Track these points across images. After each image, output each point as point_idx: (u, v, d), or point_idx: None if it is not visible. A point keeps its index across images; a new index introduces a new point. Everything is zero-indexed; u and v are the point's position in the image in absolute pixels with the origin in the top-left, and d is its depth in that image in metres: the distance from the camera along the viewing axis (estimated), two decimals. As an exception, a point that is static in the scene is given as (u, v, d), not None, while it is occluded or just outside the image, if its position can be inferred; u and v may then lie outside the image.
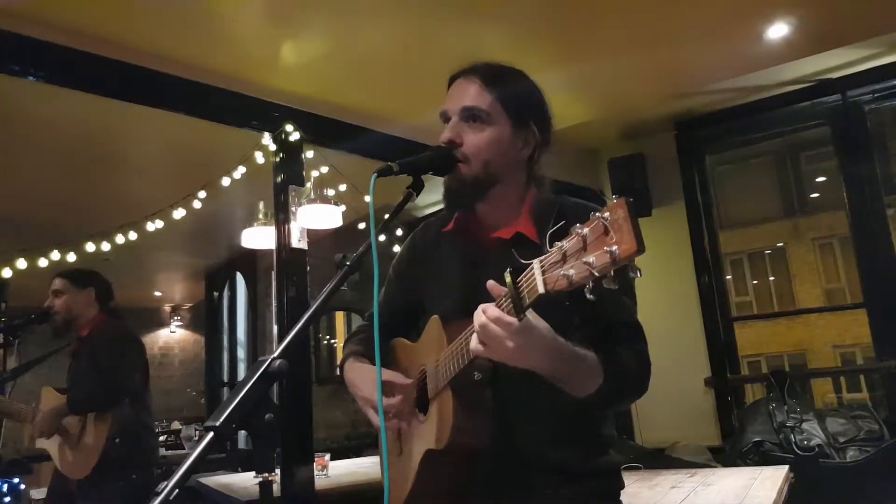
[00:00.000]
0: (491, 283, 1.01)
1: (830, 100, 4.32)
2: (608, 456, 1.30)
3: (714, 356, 4.47)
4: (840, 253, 16.81)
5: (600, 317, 1.16)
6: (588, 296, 0.84)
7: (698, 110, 4.61)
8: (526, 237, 1.28)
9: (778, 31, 3.52)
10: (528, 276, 0.93)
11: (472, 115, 1.28)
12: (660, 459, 3.65)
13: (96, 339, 3.02)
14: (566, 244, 0.86)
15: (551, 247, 0.91)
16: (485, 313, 0.98)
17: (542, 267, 0.90)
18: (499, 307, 0.99)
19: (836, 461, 3.18)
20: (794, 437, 3.25)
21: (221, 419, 0.85)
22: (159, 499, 0.76)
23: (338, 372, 1.56)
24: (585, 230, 0.83)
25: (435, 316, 1.27)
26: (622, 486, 1.33)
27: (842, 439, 3.29)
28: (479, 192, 1.29)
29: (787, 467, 2.80)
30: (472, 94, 1.29)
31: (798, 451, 3.18)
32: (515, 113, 1.30)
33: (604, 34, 3.45)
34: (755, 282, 18.27)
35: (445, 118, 1.32)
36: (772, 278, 18.10)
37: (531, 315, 0.97)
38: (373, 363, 1.36)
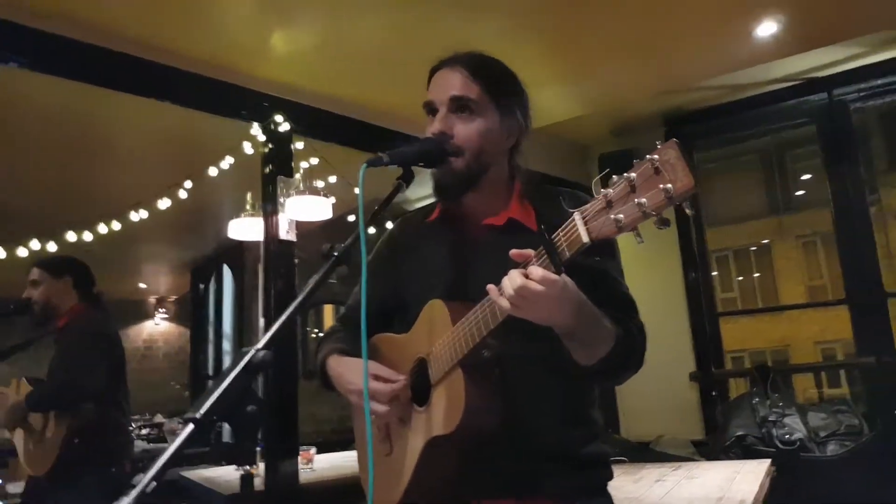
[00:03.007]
0: (514, 251, 1.02)
1: (817, 98, 4.36)
2: (599, 442, 1.31)
3: (699, 351, 4.51)
4: (823, 250, 17.00)
5: (600, 292, 1.16)
6: (638, 239, 0.88)
7: (688, 107, 4.63)
8: (519, 223, 1.28)
9: (767, 28, 3.54)
10: (567, 228, 0.96)
11: (460, 106, 1.27)
12: (644, 453, 3.68)
13: (70, 331, 2.96)
14: (611, 190, 0.89)
15: (551, 234, 0.95)
16: (528, 276, 0.99)
17: (583, 217, 0.93)
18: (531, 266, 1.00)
19: (817, 455, 3.22)
20: (776, 432, 3.29)
21: (202, 410, 0.83)
22: (136, 491, 0.75)
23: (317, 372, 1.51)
24: (633, 174, 0.87)
25: (437, 300, 1.25)
26: (611, 477, 1.34)
27: (822, 433, 3.33)
28: (471, 183, 1.28)
29: (769, 461, 2.83)
30: (458, 84, 1.28)
31: (780, 445, 3.22)
32: (502, 102, 1.30)
33: (595, 30, 3.45)
34: (740, 278, 18.44)
35: (431, 109, 1.31)
36: (756, 275, 18.28)
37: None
38: (356, 360, 1.34)
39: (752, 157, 16.63)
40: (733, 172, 15.22)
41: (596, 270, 1.22)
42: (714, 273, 5.54)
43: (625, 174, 0.88)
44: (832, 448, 3.25)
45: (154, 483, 0.76)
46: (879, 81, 4.21)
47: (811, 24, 3.61)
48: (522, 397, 1.22)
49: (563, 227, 0.97)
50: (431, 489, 1.27)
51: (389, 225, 1.62)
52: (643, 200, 0.85)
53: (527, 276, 0.99)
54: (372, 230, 1.14)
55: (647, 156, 0.86)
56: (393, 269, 1.45)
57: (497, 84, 1.31)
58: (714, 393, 4.42)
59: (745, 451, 3.30)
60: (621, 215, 0.88)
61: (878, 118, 15.72)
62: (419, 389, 1.27)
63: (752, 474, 2.58)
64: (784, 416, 3.36)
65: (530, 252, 1.02)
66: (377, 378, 1.25)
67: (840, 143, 4.31)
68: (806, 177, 16.74)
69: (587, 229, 0.93)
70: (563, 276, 0.99)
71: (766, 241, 18.08)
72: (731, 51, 3.82)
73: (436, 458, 1.23)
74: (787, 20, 3.48)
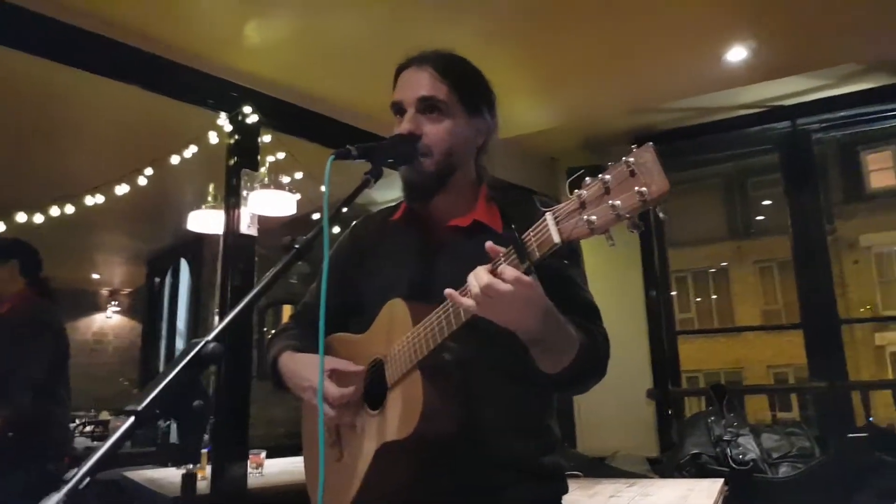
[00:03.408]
0: (489, 245, 1.00)
1: (781, 126, 4.45)
2: (556, 455, 1.29)
3: (657, 369, 4.54)
4: (779, 276, 17.46)
5: (565, 299, 1.13)
6: (609, 242, 0.87)
7: (657, 127, 4.68)
8: (485, 225, 1.26)
9: (737, 54, 3.60)
10: (538, 228, 0.94)
11: (429, 106, 1.26)
12: (600, 468, 3.67)
13: (13, 318, 2.86)
14: (585, 192, 0.88)
15: (521, 234, 0.93)
16: (498, 274, 0.96)
17: (555, 217, 0.91)
18: (497, 266, 0.98)
19: (769, 476, 3.25)
20: (731, 451, 3.32)
21: (144, 403, 0.79)
22: (67, 487, 0.70)
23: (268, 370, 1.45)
24: (607, 176, 0.86)
25: (398, 299, 1.22)
26: (566, 491, 1.31)
27: (775, 455, 3.37)
28: (440, 184, 1.27)
29: (722, 480, 2.85)
30: (426, 83, 1.26)
31: (733, 465, 3.24)
32: (470, 102, 1.29)
33: (570, 43, 3.47)
34: (698, 299, 18.83)
35: (398, 109, 1.29)
36: (714, 297, 18.68)
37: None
38: (310, 356, 1.31)
39: (715, 180, 17.08)
40: (696, 195, 15.60)
41: (561, 277, 1.21)
42: (673, 293, 5.61)
43: (599, 175, 0.87)
44: (784, 470, 3.29)
45: (88, 479, 0.72)
46: (841, 113, 4.31)
47: (780, 52, 3.69)
48: (481, 404, 1.19)
49: (534, 227, 0.95)
50: (382, 498, 1.22)
51: (355, 224, 1.57)
52: (617, 202, 0.84)
53: (495, 274, 0.96)
54: (337, 229, 1.11)
55: (623, 158, 0.85)
56: (353, 267, 1.42)
57: (465, 84, 1.29)
58: (670, 411, 4.45)
59: (699, 469, 3.32)
60: (594, 217, 0.87)
61: (837, 150, 16.28)
62: (374, 392, 1.22)
63: (705, 493, 2.59)
64: (738, 437, 3.39)
65: (500, 249, 0.99)
66: (334, 372, 1.21)
67: (801, 171, 4.40)
68: (766, 203, 17.21)
69: (559, 230, 0.91)
70: (532, 277, 0.97)
71: (724, 264, 18.50)
72: (701, 73, 3.88)
73: (388, 465, 1.18)
74: (757, 47, 3.54)
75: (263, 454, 3.37)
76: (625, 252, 4.72)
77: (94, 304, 10.14)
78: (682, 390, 4.94)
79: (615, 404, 3.97)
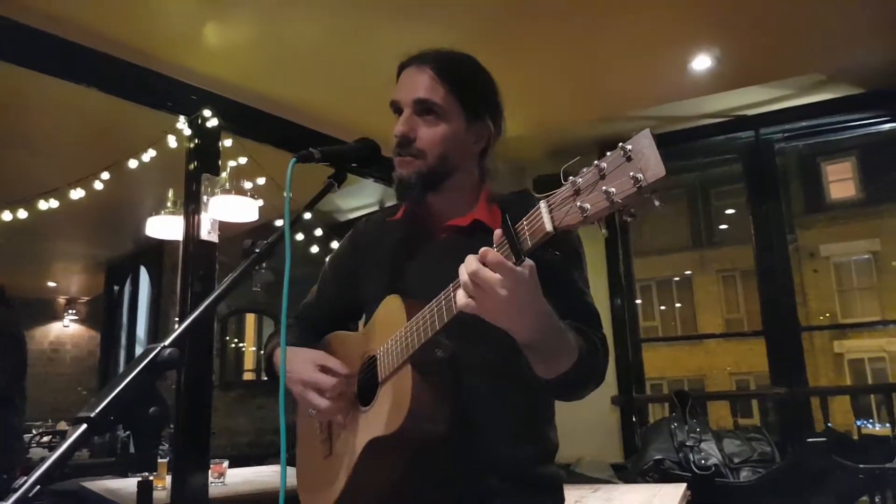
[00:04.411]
0: (496, 234, 0.97)
1: (744, 135, 4.51)
2: (553, 465, 1.25)
3: (622, 376, 4.56)
4: (741, 285, 17.81)
5: (566, 302, 1.11)
6: (602, 231, 0.86)
7: (623, 135, 4.66)
8: (485, 224, 1.23)
9: (701, 63, 3.65)
10: (532, 217, 0.92)
11: (425, 109, 1.23)
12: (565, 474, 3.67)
13: None
14: (580, 178, 0.86)
15: (505, 229, 0.92)
16: (483, 260, 0.93)
17: (549, 205, 0.89)
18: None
19: (731, 480, 3.28)
20: (693, 457, 3.34)
21: (97, 409, 0.76)
22: (15, 496, 0.67)
23: (262, 368, 1.41)
24: (603, 163, 0.84)
25: (394, 295, 1.19)
26: (563, 503, 1.27)
27: (737, 460, 3.40)
28: (432, 184, 1.24)
29: (685, 485, 2.86)
30: (424, 85, 1.23)
31: (696, 470, 3.26)
32: (470, 107, 1.25)
33: (535, 52, 3.48)
34: (662, 308, 19.10)
35: (396, 109, 1.26)
36: (678, 305, 18.96)
37: (527, 265, 0.94)
38: (304, 350, 1.29)
39: (679, 190, 17.35)
40: (660, 204, 15.80)
41: (562, 279, 1.19)
42: (638, 301, 5.66)
43: (595, 161, 0.85)
44: (745, 474, 3.32)
45: (38, 487, 0.69)
46: (803, 123, 4.39)
47: (744, 61, 3.75)
48: (475, 405, 1.16)
49: (528, 215, 0.92)
50: (367, 497, 1.19)
51: (319, 233, 1.55)
52: (612, 189, 0.82)
53: (483, 262, 0.93)
54: (300, 237, 1.08)
55: (620, 144, 0.83)
56: (352, 267, 1.40)
57: (466, 87, 1.26)
58: (634, 417, 4.47)
59: (662, 475, 3.33)
60: (587, 204, 0.85)
61: (798, 160, 16.68)
62: (368, 388, 1.20)
63: (668, 498, 2.60)
64: (701, 442, 3.42)
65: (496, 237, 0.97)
66: (324, 370, 1.19)
67: (764, 181, 4.47)
68: (730, 212, 17.56)
69: (552, 217, 0.89)
70: (524, 268, 0.93)
71: (688, 273, 18.81)
72: (666, 82, 3.93)
73: (375, 463, 1.15)
74: (721, 56, 3.60)
75: (226, 464, 3.32)
76: (590, 260, 4.61)
77: (51, 313, 9.98)
78: (647, 397, 4.97)
79: (580, 411, 3.92)
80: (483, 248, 0.94)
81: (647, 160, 0.81)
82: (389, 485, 1.17)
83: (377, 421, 1.13)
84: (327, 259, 1.49)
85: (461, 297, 0.96)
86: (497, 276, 0.91)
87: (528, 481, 1.20)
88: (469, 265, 0.93)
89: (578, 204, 0.85)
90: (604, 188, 0.83)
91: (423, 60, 1.26)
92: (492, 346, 1.12)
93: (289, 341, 1.33)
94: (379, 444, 1.12)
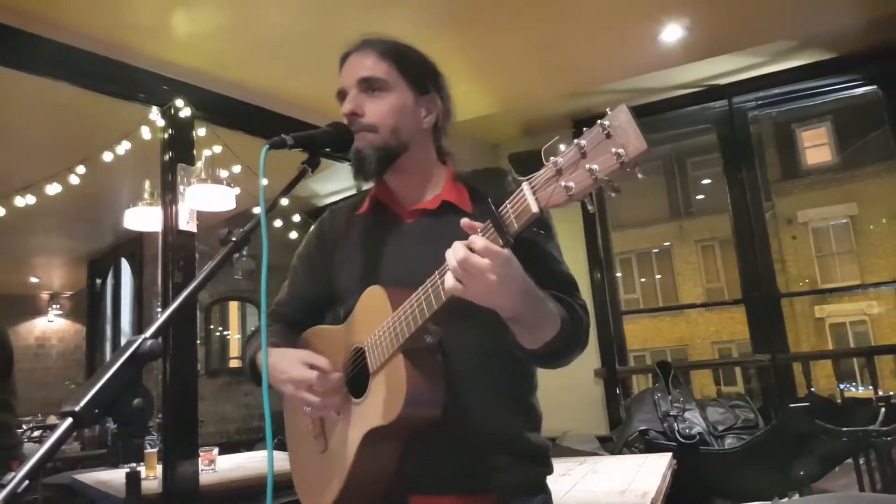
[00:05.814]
0: (465, 221, 0.98)
1: (717, 105, 4.54)
2: (540, 433, 1.28)
3: (604, 349, 4.61)
4: (720, 254, 17.99)
5: (542, 272, 1.13)
6: (589, 208, 0.86)
7: (596, 109, 4.70)
8: (454, 205, 1.24)
9: (672, 33, 3.65)
10: (516, 199, 0.92)
11: (370, 86, 1.24)
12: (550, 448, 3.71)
13: None
14: (561, 158, 0.86)
15: (490, 214, 0.92)
16: (470, 246, 0.94)
17: (532, 187, 0.90)
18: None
19: (716, 448, 3.34)
20: (678, 426, 3.39)
21: (82, 403, 0.76)
22: (5, 491, 0.68)
23: (242, 367, 1.41)
24: (583, 141, 0.84)
25: (376, 286, 1.19)
26: (551, 471, 1.30)
27: (721, 427, 3.46)
28: (389, 158, 1.24)
29: (670, 455, 2.92)
30: (367, 65, 1.25)
31: (680, 439, 3.31)
32: (414, 80, 1.27)
33: (505, 29, 3.47)
34: (643, 280, 19.26)
35: (343, 96, 1.27)
36: (658, 276, 19.12)
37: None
38: (290, 350, 1.28)
39: (655, 162, 17.42)
40: (637, 177, 15.86)
41: (537, 251, 1.21)
42: (618, 274, 5.71)
43: (575, 140, 0.85)
44: (730, 441, 3.37)
45: (27, 482, 0.69)
46: (776, 91, 4.41)
47: (714, 30, 3.75)
48: (466, 385, 1.18)
49: (511, 198, 0.93)
50: (370, 486, 1.20)
51: (297, 218, 1.55)
52: (595, 166, 0.82)
53: (471, 249, 0.94)
54: (279, 224, 1.08)
55: (598, 121, 0.83)
56: (323, 261, 1.40)
57: (408, 62, 1.27)
58: (618, 389, 4.53)
59: (647, 445, 3.38)
60: (572, 183, 0.85)
61: (773, 127, 16.77)
62: (357, 381, 1.21)
63: (654, 467, 2.65)
64: (685, 411, 3.47)
65: (477, 224, 0.97)
66: (311, 368, 1.19)
67: (739, 150, 4.51)
68: (706, 182, 17.65)
69: (536, 199, 0.89)
70: (508, 251, 0.95)
71: (667, 244, 18.94)
72: (637, 54, 3.93)
73: (375, 452, 1.17)
74: (691, 25, 3.60)
75: (216, 451, 3.33)
76: (568, 235, 4.77)
77: (35, 309, 9.93)
78: (630, 369, 5.04)
79: (564, 385, 3.97)
80: (472, 237, 0.95)
81: (627, 135, 0.81)
82: (389, 472, 1.19)
83: (373, 412, 1.14)
84: (295, 254, 1.48)
85: (450, 282, 0.97)
86: (486, 261, 0.93)
87: (521, 451, 1.23)
88: (457, 252, 0.94)
89: (563, 184, 0.86)
90: (587, 166, 0.83)
91: (364, 45, 1.28)
92: (477, 325, 1.13)
93: (270, 340, 1.34)
94: (378, 434, 1.14)
